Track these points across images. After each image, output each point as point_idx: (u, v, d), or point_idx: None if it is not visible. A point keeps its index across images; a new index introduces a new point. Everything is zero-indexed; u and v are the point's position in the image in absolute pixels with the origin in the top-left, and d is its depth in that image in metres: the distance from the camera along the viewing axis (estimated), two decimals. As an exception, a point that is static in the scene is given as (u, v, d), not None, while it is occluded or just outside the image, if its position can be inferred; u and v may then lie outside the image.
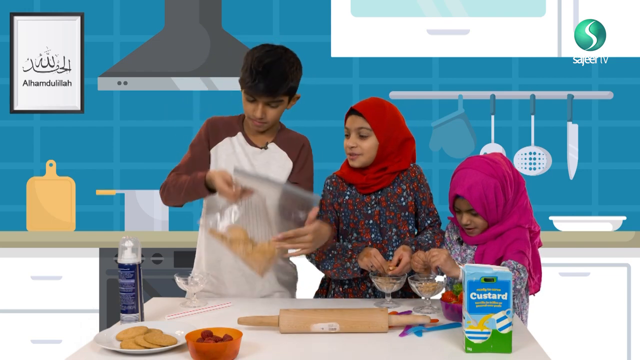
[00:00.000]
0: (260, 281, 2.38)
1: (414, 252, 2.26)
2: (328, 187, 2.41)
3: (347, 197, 2.38)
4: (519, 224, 2.22)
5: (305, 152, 2.43)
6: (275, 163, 2.38)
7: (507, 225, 2.22)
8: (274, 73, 2.24)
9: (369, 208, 2.36)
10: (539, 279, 2.31)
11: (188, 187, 2.25)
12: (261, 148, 2.38)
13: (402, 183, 2.37)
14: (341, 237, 2.40)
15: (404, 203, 2.36)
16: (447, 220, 2.40)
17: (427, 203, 2.40)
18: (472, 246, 2.28)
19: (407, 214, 2.37)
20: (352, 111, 2.34)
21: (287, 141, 2.41)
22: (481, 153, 3.94)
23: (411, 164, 2.40)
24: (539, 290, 2.33)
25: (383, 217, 2.35)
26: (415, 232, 2.45)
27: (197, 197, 2.26)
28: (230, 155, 2.36)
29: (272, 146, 2.40)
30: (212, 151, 2.37)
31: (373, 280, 2.21)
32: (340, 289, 2.40)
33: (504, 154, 3.88)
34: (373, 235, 2.36)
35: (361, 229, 2.36)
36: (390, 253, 2.34)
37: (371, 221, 2.36)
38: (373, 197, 2.36)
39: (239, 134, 2.39)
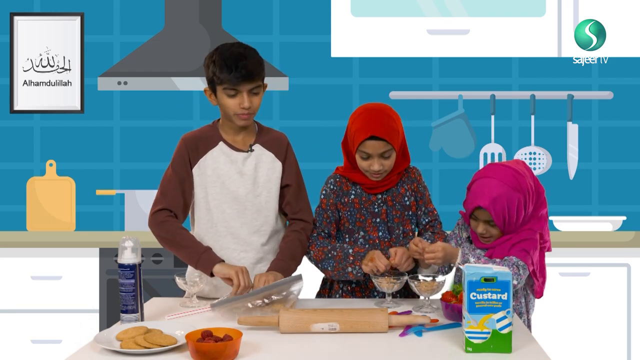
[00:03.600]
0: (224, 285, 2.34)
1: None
2: (331, 187, 2.40)
3: (352, 197, 2.38)
4: (532, 228, 2.21)
5: (291, 150, 2.43)
6: (264, 165, 2.36)
7: (522, 229, 2.21)
8: (250, 58, 2.26)
9: (375, 207, 2.37)
10: (543, 283, 2.29)
11: (186, 257, 2.28)
12: (247, 151, 2.35)
13: (404, 183, 2.40)
14: (347, 235, 2.39)
15: (407, 202, 2.39)
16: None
17: (424, 202, 2.42)
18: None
19: (410, 213, 2.39)
20: (372, 137, 2.25)
21: (271, 141, 2.39)
22: (481, 153, 3.94)
23: (410, 165, 2.43)
24: (542, 295, 2.31)
25: (390, 216, 2.37)
26: (416, 231, 2.46)
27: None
28: (216, 170, 2.33)
29: (257, 147, 2.37)
30: (195, 169, 2.33)
31: (373, 280, 2.21)
32: (348, 287, 2.40)
33: (504, 154, 3.91)
34: (380, 234, 2.36)
35: (368, 227, 2.37)
36: None
37: (378, 219, 2.36)
38: (380, 196, 2.37)
39: (220, 143, 2.35)
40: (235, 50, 2.27)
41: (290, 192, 2.40)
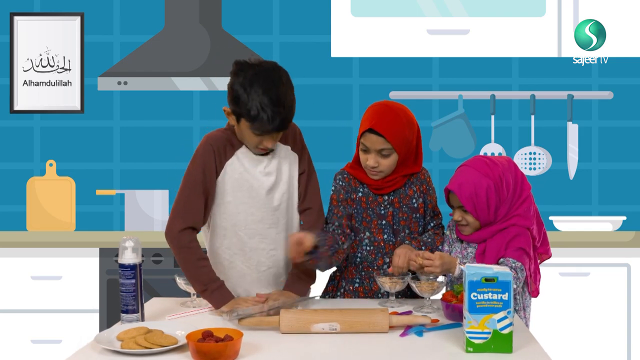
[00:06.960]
0: (256, 286, 2.31)
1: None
2: (340, 183, 2.37)
3: (360, 194, 2.36)
4: (517, 224, 2.21)
5: (301, 137, 2.39)
6: (285, 161, 2.31)
7: (505, 225, 2.22)
8: (287, 104, 2.13)
9: (382, 208, 2.35)
10: (536, 281, 2.30)
11: (199, 290, 2.20)
12: (268, 151, 2.29)
13: (413, 185, 2.37)
14: (353, 234, 2.36)
15: (415, 205, 2.36)
16: (450, 218, 2.40)
17: (433, 206, 2.41)
18: (473, 244, 2.28)
19: (418, 215, 2.37)
20: (371, 130, 2.24)
21: (284, 133, 2.31)
22: (481, 153, 3.94)
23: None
24: (538, 294, 2.31)
25: (396, 218, 2.34)
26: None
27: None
28: (244, 173, 2.25)
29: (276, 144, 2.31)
30: (221, 175, 2.24)
31: (376, 280, 2.21)
32: (351, 287, 2.38)
33: (504, 154, 3.91)
34: (386, 236, 2.34)
35: (374, 228, 2.34)
36: None
37: (384, 221, 2.34)
38: (386, 197, 2.35)
39: (243, 147, 2.26)
40: (274, 92, 2.10)
41: (302, 179, 2.35)
